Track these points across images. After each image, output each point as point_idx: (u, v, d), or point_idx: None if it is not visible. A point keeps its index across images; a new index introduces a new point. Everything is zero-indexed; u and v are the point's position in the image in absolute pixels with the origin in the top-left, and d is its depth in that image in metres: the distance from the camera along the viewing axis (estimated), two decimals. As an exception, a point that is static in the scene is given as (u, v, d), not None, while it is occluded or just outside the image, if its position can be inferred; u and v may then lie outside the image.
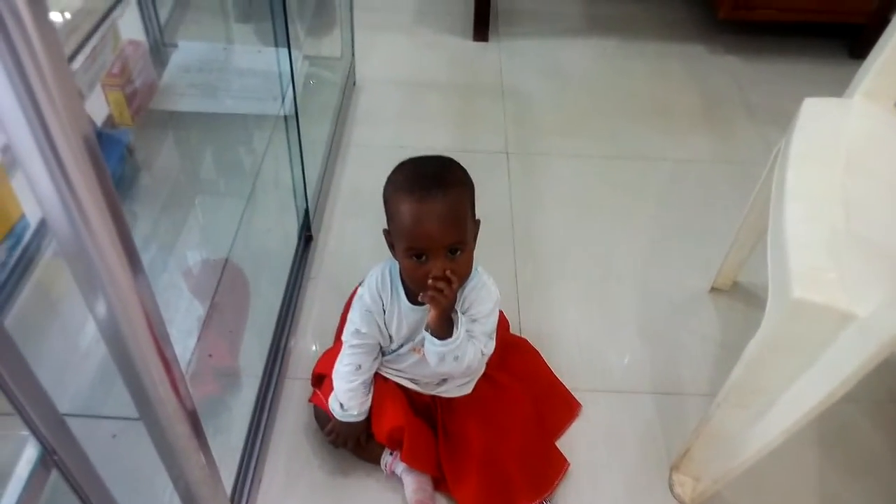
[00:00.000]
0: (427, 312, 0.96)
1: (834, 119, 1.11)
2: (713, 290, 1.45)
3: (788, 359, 0.86)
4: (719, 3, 2.15)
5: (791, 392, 0.87)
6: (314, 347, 1.29)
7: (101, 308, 0.55)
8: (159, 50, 1.91)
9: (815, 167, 1.02)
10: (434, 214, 0.88)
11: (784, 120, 1.13)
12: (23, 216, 1.07)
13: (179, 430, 0.72)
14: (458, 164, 0.95)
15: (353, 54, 1.98)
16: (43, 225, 1.15)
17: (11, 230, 1.04)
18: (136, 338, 0.59)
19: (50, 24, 0.39)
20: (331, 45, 2.01)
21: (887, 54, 1.11)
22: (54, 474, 0.70)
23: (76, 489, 0.74)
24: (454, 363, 0.95)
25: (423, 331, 0.96)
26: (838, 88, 1.17)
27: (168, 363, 0.64)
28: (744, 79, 2.13)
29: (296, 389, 1.23)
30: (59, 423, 0.68)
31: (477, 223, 0.96)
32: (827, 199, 0.95)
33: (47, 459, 0.68)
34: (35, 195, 0.47)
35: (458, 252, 0.90)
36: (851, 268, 0.84)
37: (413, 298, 0.99)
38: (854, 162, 1.02)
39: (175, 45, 1.89)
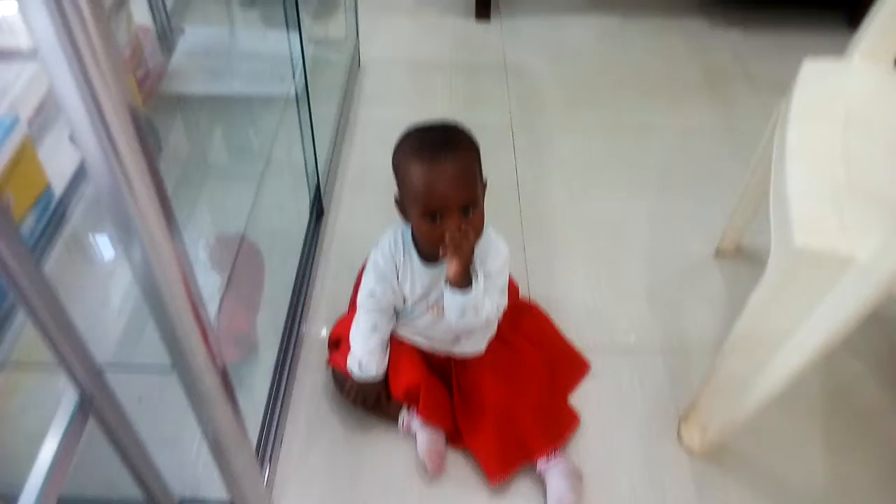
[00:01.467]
0: (440, 271, 1.00)
1: (833, 79, 1.14)
2: (718, 253, 1.48)
3: (791, 306, 0.89)
4: (719, -23, 2.16)
5: (794, 338, 0.90)
6: (329, 315, 1.33)
7: (137, 254, 0.58)
8: (166, 35, 1.94)
9: (816, 125, 1.04)
10: (446, 176, 0.91)
11: (785, 89, 1.15)
12: (48, 187, 1.10)
13: (210, 380, 0.76)
14: (463, 127, 0.99)
15: (357, 36, 2.00)
16: (66, 195, 1.18)
17: (38, 200, 1.08)
18: (169, 284, 0.63)
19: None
20: (335, 27, 2.03)
21: (885, 15, 1.14)
22: (91, 422, 0.74)
23: (111, 435, 0.77)
24: (474, 315, 0.98)
25: (444, 286, 0.99)
26: (837, 58, 1.20)
27: (199, 312, 0.68)
28: (744, 51, 2.15)
29: (313, 355, 1.27)
30: (96, 373, 0.71)
31: (484, 184, 0.99)
32: (827, 156, 0.98)
33: (86, 406, 0.72)
34: (81, 149, 0.51)
35: (471, 211, 0.94)
36: (852, 217, 0.87)
37: (426, 259, 1.03)
38: (853, 120, 1.04)
39: (182, 31, 1.92)
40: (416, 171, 0.92)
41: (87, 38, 0.44)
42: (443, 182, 0.91)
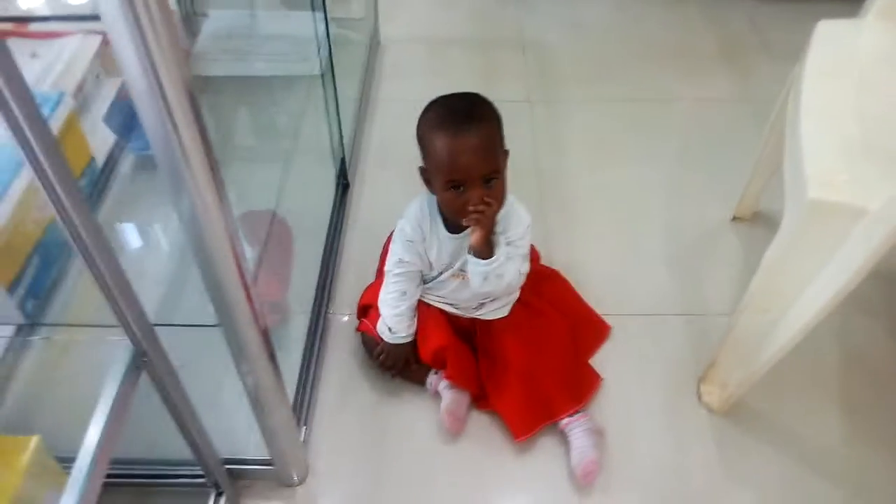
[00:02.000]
0: (465, 240, 1.04)
1: (847, 39, 1.15)
2: (734, 219, 1.51)
3: (805, 259, 0.92)
4: (735, -54, 2.16)
5: (808, 291, 0.93)
6: (357, 283, 1.38)
7: (186, 208, 0.63)
8: (190, 19, 1.99)
9: (829, 84, 1.07)
10: (469, 148, 0.95)
11: (801, 56, 1.17)
12: (92, 159, 1.15)
13: (252, 335, 0.81)
14: (485, 98, 1.02)
15: (376, 15, 2.03)
16: (107, 166, 1.23)
17: (83, 171, 1.13)
18: (219, 242, 0.68)
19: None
20: (356, 7, 2.06)
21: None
22: (144, 375, 0.79)
23: (162, 391, 0.83)
24: (496, 281, 1.02)
25: (467, 254, 1.03)
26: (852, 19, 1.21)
27: (243, 271, 0.73)
28: (761, 20, 2.15)
29: (343, 323, 1.32)
30: (149, 329, 0.76)
31: (506, 153, 1.03)
32: (840, 113, 1.00)
33: (139, 361, 0.77)
34: (141, 115, 0.56)
35: (493, 181, 0.98)
36: (864, 171, 0.90)
37: (451, 228, 1.07)
38: (867, 78, 1.06)
39: (206, 14, 1.96)
40: (440, 143, 0.96)
41: (149, 18, 0.49)
42: (465, 154, 0.95)
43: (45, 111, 1.02)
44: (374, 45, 2.01)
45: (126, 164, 1.37)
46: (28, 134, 0.55)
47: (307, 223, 1.51)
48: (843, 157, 0.92)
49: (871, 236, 0.82)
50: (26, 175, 0.96)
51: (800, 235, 0.91)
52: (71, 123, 1.06)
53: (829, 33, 1.16)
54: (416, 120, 1.02)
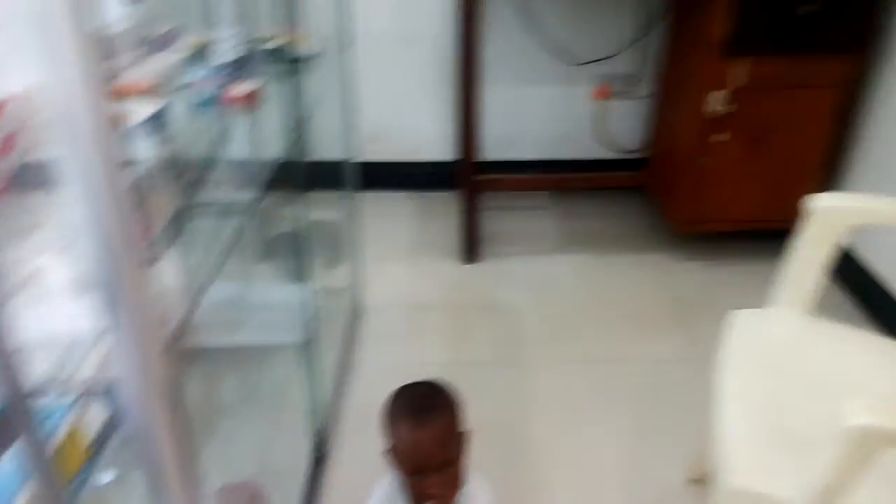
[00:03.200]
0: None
1: (757, 327, 1.33)
2: (690, 481, 1.58)
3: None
4: (676, 221, 2.47)
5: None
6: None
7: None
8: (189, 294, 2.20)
9: (744, 372, 1.22)
10: (427, 439, 1.07)
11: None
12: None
13: None
14: (446, 386, 1.16)
15: (359, 284, 2.26)
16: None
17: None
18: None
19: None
20: (341, 275, 2.30)
21: (794, 267, 1.36)
22: None
23: None
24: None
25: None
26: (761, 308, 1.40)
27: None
28: (708, 281, 2.39)
29: None
30: None
31: (466, 436, 1.15)
32: (753, 400, 1.14)
33: None
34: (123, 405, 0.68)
35: (451, 468, 1.08)
36: (775, 458, 1.01)
37: (415, 508, 1.15)
38: (775, 365, 1.22)
39: (204, 288, 2.18)
40: (400, 434, 1.08)
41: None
42: (423, 445, 1.07)
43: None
44: (356, 312, 2.20)
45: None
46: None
47: (283, 493, 1.57)
48: (755, 445, 1.04)
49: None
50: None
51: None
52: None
53: (742, 323, 1.34)
54: (393, 384, 1.15)
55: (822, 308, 1.36)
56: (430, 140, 2.89)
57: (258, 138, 1.62)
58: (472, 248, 2.52)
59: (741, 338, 1.30)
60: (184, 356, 1.86)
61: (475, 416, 1.16)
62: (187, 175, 1.46)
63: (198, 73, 1.52)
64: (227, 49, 1.67)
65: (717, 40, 2.11)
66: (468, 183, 2.43)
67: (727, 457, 1.03)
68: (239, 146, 1.56)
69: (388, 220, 2.77)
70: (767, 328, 1.32)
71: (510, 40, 2.68)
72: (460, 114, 2.32)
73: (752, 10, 2.06)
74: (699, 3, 2.23)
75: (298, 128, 1.61)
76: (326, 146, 1.98)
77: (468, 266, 2.52)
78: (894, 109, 2.10)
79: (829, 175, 2.37)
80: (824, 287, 1.34)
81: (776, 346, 1.27)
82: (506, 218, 2.81)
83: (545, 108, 2.84)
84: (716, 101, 2.20)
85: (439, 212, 2.81)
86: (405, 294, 2.37)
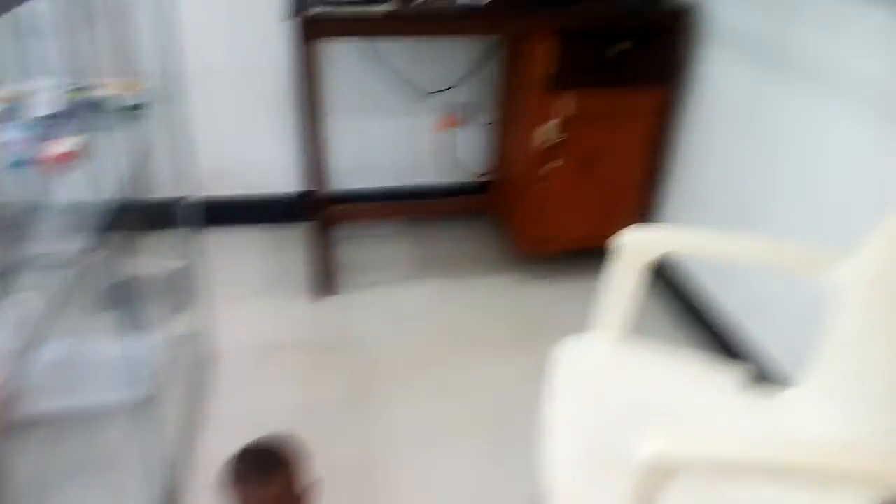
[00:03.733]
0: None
1: (580, 355, 1.44)
2: None
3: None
4: (518, 242, 2.61)
5: None
6: None
7: None
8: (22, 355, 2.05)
9: (567, 398, 1.32)
10: (266, 499, 1.08)
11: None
12: None
13: None
14: (284, 445, 1.17)
15: (209, 329, 2.20)
16: None
17: None
18: None
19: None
20: (188, 322, 2.23)
21: (608, 297, 1.48)
22: None
23: None
24: None
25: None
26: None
27: None
28: (550, 301, 2.53)
29: None
30: None
31: (311, 489, 1.16)
32: (578, 426, 1.24)
33: None
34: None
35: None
36: (597, 485, 1.10)
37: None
38: (596, 392, 1.33)
39: (37, 346, 2.04)
40: (236, 495, 1.08)
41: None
42: (262, 506, 1.08)
43: None
44: (206, 358, 2.15)
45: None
46: None
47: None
48: (576, 472, 1.13)
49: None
50: None
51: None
52: None
53: (566, 350, 1.44)
54: (246, 435, 1.16)
55: (654, 321, 1.49)
56: (278, 173, 2.88)
57: (88, 188, 1.56)
58: (326, 282, 2.53)
59: (566, 365, 1.40)
60: (8, 429, 1.74)
61: (327, 460, 1.18)
62: (8, 232, 1.39)
63: (9, 132, 1.44)
64: (45, 101, 1.59)
65: (543, 78, 2.26)
66: (318, 215, 2.45)
67: (551, 484, 1.11)
68: (67, 196, 1.49)
69: (238, 257, 2.73)
70: (588, 355, 1.43)
71: (353, 73, 2.72)
72: (305, 146, 2.33)
73: (572, 51, 2.22)
74: (524, 45, 2.38)
75: (133, 173, 1.56)
76: (163, 188, 1.93)
77: (323, 300, 2.52)
78: (700, 138, 2.33)
79: (649, 200, 2.59)
80: (648, 304, 1.48)
81: (596, 372, 1.38)
82: (360, 247, 2.85)
83: (393, 138, 2.91)
84: (548, 131, 2.35)
85: (292, 246, 2.80)
86: (258, 336, 2.34)
